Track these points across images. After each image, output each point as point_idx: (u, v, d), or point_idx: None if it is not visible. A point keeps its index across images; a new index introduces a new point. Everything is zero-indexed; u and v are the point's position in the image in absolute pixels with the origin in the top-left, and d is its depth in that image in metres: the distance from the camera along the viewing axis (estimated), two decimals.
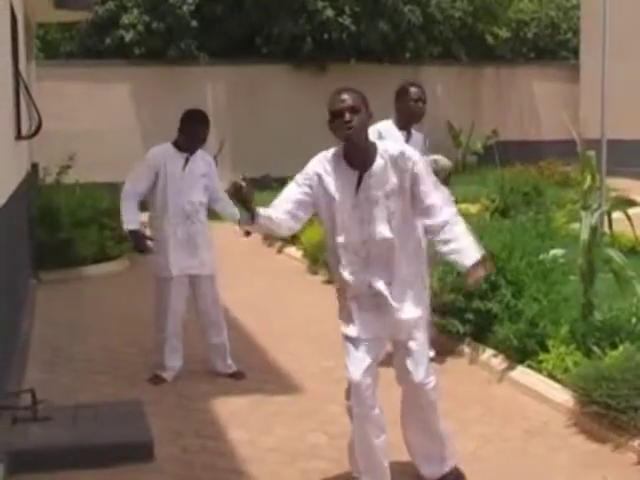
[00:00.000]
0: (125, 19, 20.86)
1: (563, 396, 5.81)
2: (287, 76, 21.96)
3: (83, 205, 11.85)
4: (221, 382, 6.66)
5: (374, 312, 4.43)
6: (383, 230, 4.32)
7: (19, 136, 8.73)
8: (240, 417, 5.92)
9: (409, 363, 4.48)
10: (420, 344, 4.52)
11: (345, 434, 5.49)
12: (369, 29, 21.52)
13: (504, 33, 24.69)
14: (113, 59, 21.01)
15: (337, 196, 4.32)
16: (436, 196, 4.37)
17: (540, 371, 6.24)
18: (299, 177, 4.40)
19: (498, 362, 6.67)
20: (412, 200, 4.35)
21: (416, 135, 6.94)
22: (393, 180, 4.31)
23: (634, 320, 6.20)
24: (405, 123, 6.98)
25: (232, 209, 6.78)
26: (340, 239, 4.36)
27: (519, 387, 6.29)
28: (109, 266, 11.57)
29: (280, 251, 13.14)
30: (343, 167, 4.34)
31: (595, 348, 5.96)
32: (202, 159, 6.76)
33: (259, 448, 5.36)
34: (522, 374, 6.38)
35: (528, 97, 24.82)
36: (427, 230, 4.46)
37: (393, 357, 4.61)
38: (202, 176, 6.70)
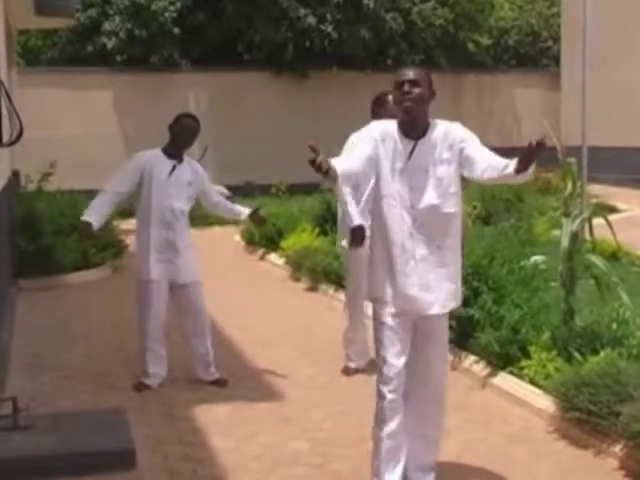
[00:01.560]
0: (107, 26, 20.82)
1: (545, 402, 5.82)
2: (269, 83, 21.98)
3: (64, 212, 11.81)
4: (204, 389, 6.65)
5: (415, 289, 4.47)
6: (430, 197, 4.46)
7: (0, 143, 8.69)
8: (222, 424, 5.91)
9: (433, 338, 4.60)
10: (445, 325, 4.68)
11: (327, 440, 5.51)
12: (351, 36, 21.56)
13: (485, 40, 24.80)
14: (95, 66, 20.95)
15: (390, 163, 4.48)
16: (490, 154, 4.49)
17: (522, 377, 6.26)
18: (364, 137, 4.57)
19: (480, 368, 6.69)
20: (473, 164, 4.46)
21: None
22: (442, 151, 4.49)
23: (615, 326, 6.23)
24: None
25: (232, 208, 6.89)
26: (389, 205, 4.48)
27: (501, 393, 6.31)
28: (90, 274, 11.53)
29: (262, 258, 13.13)
30: (398, 136, 4.51)
31: (576, 354, 5.98)
32: (190, 167, 6.71)
33: (241, 456, 5.35)
34: (504, 380, 6.40)
35: (509, 104, 24.92)
36: (497, 170, 4.41)
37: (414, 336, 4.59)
38: (188, 184, 6.66)
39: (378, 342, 4.56)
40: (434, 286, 4.48)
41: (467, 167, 4.51)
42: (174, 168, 6.61)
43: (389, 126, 4.57)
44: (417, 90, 4.44)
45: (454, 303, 4.62)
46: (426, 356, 4.60)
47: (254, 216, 6.87)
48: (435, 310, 4.52)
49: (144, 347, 6.71)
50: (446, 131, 4.53)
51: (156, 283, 6.61)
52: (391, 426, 4.50)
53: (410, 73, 4.49)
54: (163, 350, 6.76)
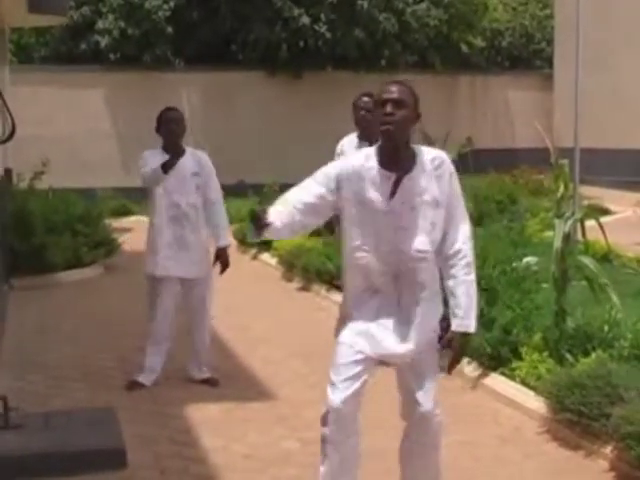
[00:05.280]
0: (100, 24, 20.80)
1: (536, 403, 5.84)
2: (262, 83, 21.96)
3: (56, 211, 11.80)
4: (196, 388, 6.65)
5: (392, 340, 3.98)
6: (420, 241, 3.89)
7: None
8: (214, 423, 5.91)
9: (416, 387, 4.16)
10: (430, 367, 4.20)
11: (319, 440, 5.49)
12: (345, 36, 21.56)
13: (479, 42, 24.80)
14: (88, 64, 20.92)
15: (369, 201, 3.88)
16: (464, 226, 4.00)
17: (513, 378, 6.27)
18: (318, 176, 3.95)
19: (471, 369, 6.69)
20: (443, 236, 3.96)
21: None
22: (433, 188, 3.90)
23: (606, 327, 6.25)
24: (363, 134, 7.03)
25: (219, 220, 6.66)
26: (370, 248, 3.91)
27: (492, 394, 6.32)
28: (82, 272, 11.50)
29: (255, 257, 13.13)
30: (376, 168, 3.89)
31: (568, 355, 6.00)
32: (192, 158, 6.62)
33: (232, 454, 5.35)
34: (495, 381, 6.41)
35: (502, 105, 24.95)
36: (438, 253, 4.00)
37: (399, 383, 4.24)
38: (193, 175, 6.58)
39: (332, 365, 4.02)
40: (413, 335, 4.00)
41: (445, 240, 3.96)
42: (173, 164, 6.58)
43: (367, 158, 3.94)
44: (401, 112, 3.81)
45: (436, 332, 4.21)
46: (416, 390, 4.18)
47: (219, 252, 6.72)
48: (413, 356, 4.04)
49: (147, 342, 6.70)
50: (437, 167, 3.92)
51: (165, 280, 6.60)
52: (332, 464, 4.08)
53: (395, 91, 3.83)
54: (164, 349, 6.73)
